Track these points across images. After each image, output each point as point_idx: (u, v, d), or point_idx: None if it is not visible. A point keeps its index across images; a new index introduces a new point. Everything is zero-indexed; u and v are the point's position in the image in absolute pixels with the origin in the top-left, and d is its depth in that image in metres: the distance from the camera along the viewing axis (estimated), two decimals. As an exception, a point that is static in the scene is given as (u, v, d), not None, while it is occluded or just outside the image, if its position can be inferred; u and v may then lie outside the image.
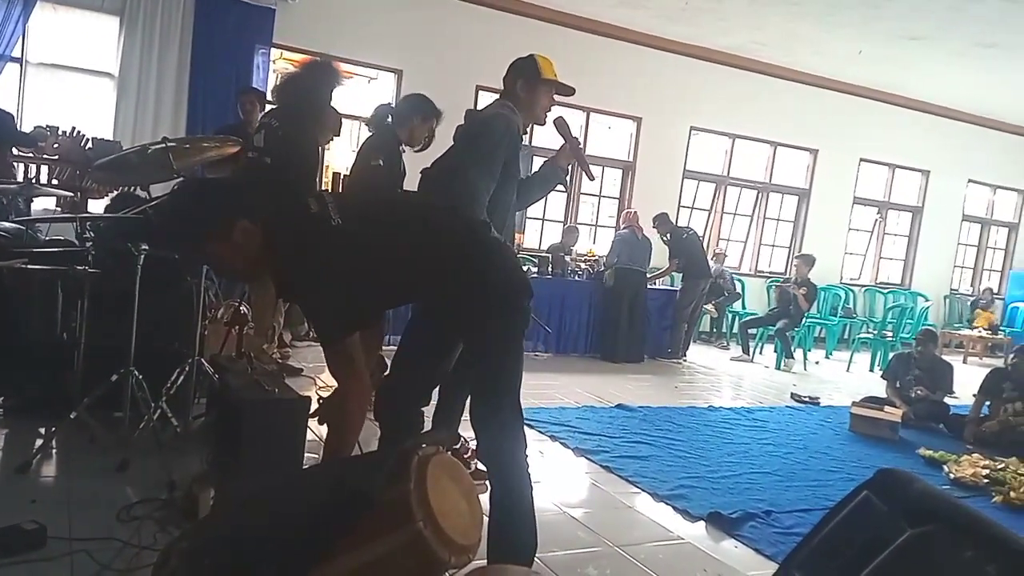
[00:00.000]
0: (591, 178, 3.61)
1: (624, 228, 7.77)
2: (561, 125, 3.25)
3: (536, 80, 3.08)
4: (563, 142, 3.23)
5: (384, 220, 2.14)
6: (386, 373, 2.54)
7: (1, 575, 2.20)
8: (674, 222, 8.39)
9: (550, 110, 3.20)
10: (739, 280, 9.68)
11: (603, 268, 7.71)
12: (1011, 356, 6.19)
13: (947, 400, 6.05)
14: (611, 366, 7.14)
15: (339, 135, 5.08)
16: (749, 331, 8.57)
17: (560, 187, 3.38)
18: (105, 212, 4.26)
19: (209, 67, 6.74)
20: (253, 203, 2.04)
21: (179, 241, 2.13)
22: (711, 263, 9.19)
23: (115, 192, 4.79)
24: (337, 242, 2.00)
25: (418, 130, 4.19)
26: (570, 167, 3.34)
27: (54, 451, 3.22)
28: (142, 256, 2.99)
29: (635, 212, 7.98)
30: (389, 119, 4.27)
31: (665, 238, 8.04)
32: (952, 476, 4.50)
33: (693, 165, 9.63)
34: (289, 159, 3.87)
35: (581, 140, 8.81)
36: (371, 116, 4.32)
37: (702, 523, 3.43)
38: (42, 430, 3.37)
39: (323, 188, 3.95)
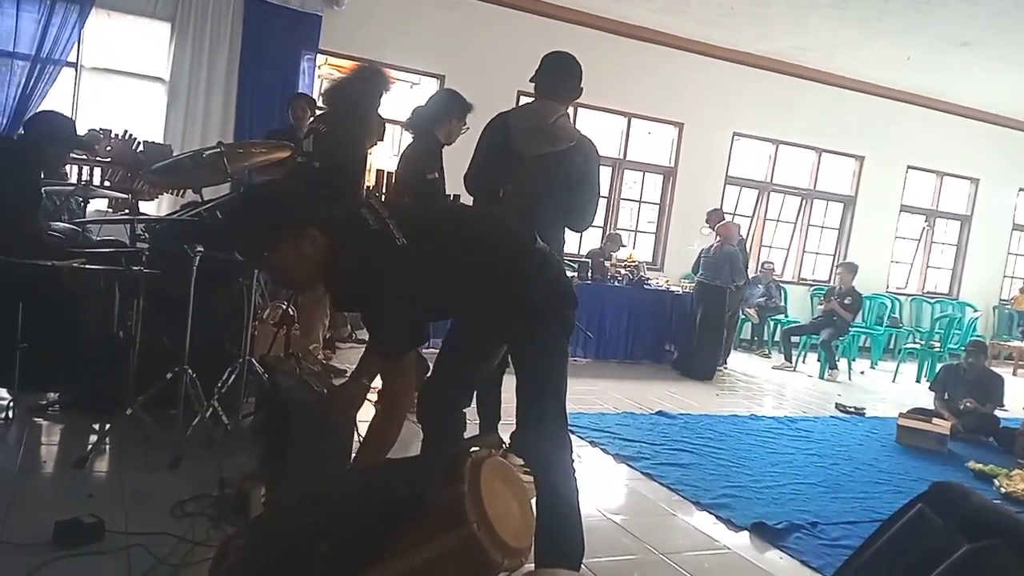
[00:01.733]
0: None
1: (716, 240, 7.56)
2: None
3: (578, 93, 3.38)
4: None
5: (440, 237, 2.16)
6: (428, 375, 2.57)
7: (63, 566, 2.27)
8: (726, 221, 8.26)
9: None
10: (783, 288, 9.56)
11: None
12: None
13: (997, 413, 5.91)
14: (649, 371, 7.11)
15: (383, 140, 5.13)
16: (792, 339, 8.45)
17: None
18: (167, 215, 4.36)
19: (257, 72, 6.87)
20: (321, 213, 2.06)
21: (247, 245, 2.14)
22: (756, 274, 9.11)
23: (176, 196, 4.89)
24: (402, 262, 2.02)
25: (455, 129, 4.19)
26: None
27: (108, 447, 3.31)
28: (197, 257, 3.06)
29: (731, 222, 7.79)
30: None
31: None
32: (1003, 490, 4.39)
33: (735, 171, 9.54)
34: (337, 164, 3.92)
35: (621, 147, 8.80)
36: (411, 120, 4.26)
37: (746, 533, 3.40)
38: (97, 426, 3.48)
39: (371, 194, 3.96)
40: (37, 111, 5.81)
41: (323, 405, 2.61)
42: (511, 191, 3.28)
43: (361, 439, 2.28)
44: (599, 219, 8.88)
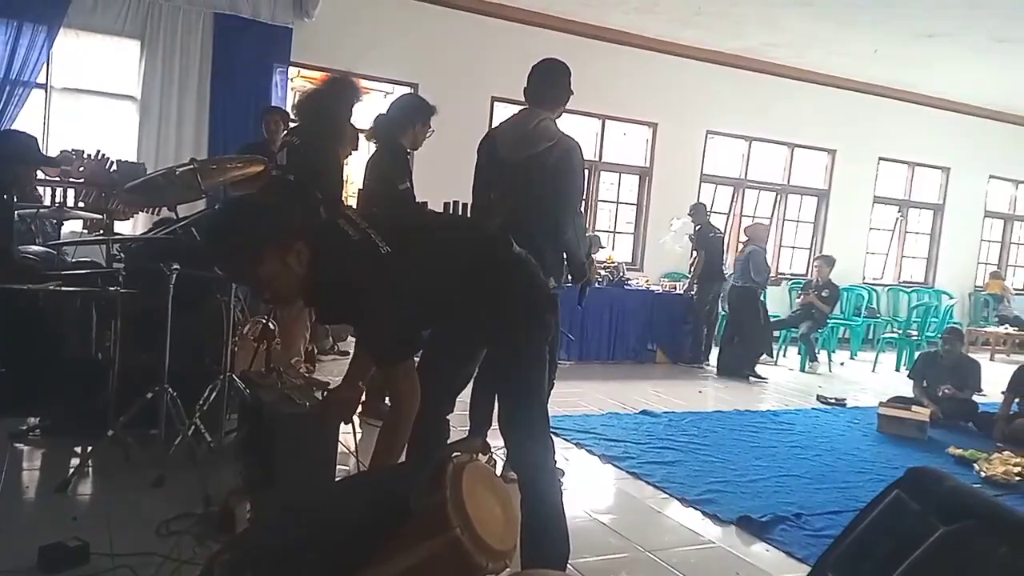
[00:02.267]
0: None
1: (746, 244, 7.68)
2: None
3: (567, 98, 3.47)
4: None
5: (421, 244, 2.16)
6: None
7: (47, 591, 2.26)
8: (708, 218, 8.33)
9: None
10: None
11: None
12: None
13: (975, 398, 6.00)
14: (633, 371, 7.14)
15: (357, 149, 5.13)
16: (772, 333, 8.51)
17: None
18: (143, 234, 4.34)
19: (228, 87, 6.85)
20: (303, 225, 2.06)
21: (230, 260, 2.11)
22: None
23: (151, 214, 4.87)
24: (388, 270, 2.02)
25: (420, 134, 4.20)
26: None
27: (91, 469, 3.29)
28: (174, 276, 3.05)
29: (760, 224, 7.85)
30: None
31: (696, 228, 7.99)
32: (983, 474, 4.46)
33: (710, 169, 9.62)
34: (311, 176, 3.92)
35: (596, 148, 8.85)
36: (373, 128, 4.26)
37: (732, 527, 3.43)
38: (79, 449, 3.46)
39: (347, 206, 3.95)
40: (-2, 131, 5.79)
41: (319, 409, 2.62)
42: (496, 198, 3.33)
43: (352, 449, 2.28)
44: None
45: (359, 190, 4.37)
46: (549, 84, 3.35)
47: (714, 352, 8.18)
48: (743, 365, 7.34)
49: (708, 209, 8.52)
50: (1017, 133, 11.34)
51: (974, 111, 10.79)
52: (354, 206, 4.24)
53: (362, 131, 4.28)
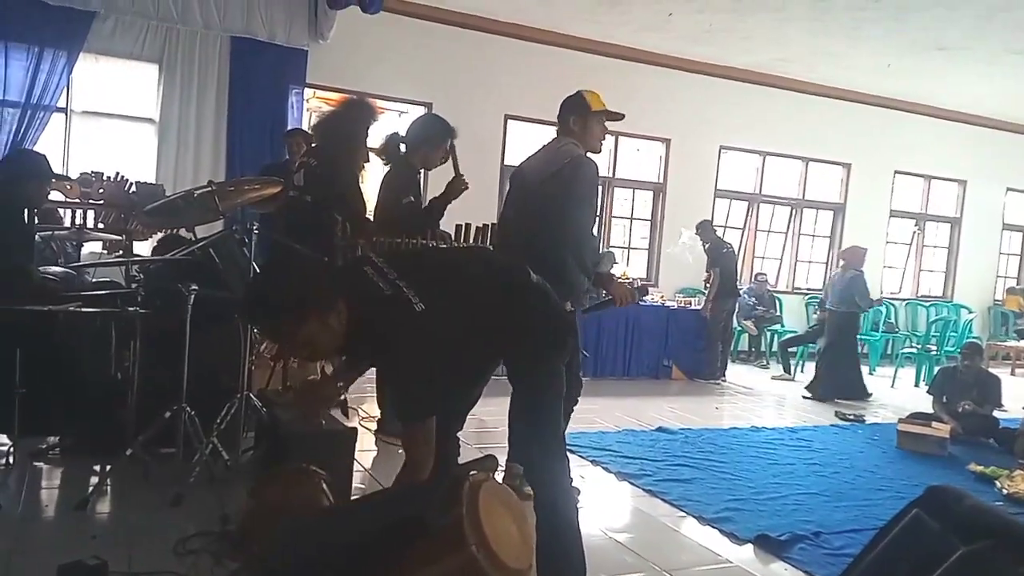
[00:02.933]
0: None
1: (844, 268, 7.71)
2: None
3: (587, 114, 3.40)
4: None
5: (448, 289, 2.16)
6: None
7: (67, 610, 2.27)
8: (715, 233, 8.34)
9: (604, 138, 3.52)
10: (777, 298, 9.60)
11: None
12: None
13: (996, 414, 5.92)
14: (648, 387, 7.12)
15: (368, 161, 5.16)
16: (789, 350, 8.47)
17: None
18: (154, 253, 4.38)
19: (245, 109, 6.94)
20: (342, 283, 2.06)
21: (272, 324, 2.08)
22: (751, 285, 9.17)
23: (160, 234, 4.93)
24: (422, 330, 2.01)
25: (433, 155, 4.22)
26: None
27: (110, 488, 3.31)
28: (192, 296, 3.09)
29: (857, 247, 7.86)
30: (401, 148, 4.25)
31: (705, 246, 7.99)
32: (1005, 492, 4.40)
33: (724, 184, 9.62)
34: (336, 196, 3.96)
35: (610, 165, 8.87)
36: (383, 146, 4.28)
37: (750, 546, 3.40)
38: (98, 468, 3.48)
39: (371, 249, 3.95)
40: (7, 152, 5.89)
41: (295, 396, 2.63)
42: (513, 216, 3.42)
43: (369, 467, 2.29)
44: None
45: (374, 206, 4.41)
46: (560, 112, 3.47)
47: (731, 368, 8.15)
48: (835, 393, 7.25)
49: (714, 224, 8.51)
50: (1034, 145, 11.26)
51: (990, 123, 10.73)
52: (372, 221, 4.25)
53: (372, 149, 4.33)
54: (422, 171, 4.35)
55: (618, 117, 3.51)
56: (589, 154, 3.43)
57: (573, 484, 3.76)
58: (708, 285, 7.91)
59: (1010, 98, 9.58)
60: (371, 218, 4.27)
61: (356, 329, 2.02)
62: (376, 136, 4.38)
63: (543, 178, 3.31)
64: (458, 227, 4.63)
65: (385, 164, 4.31)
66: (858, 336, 7.68)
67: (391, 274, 2.10)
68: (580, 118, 3.41)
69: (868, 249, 7.95)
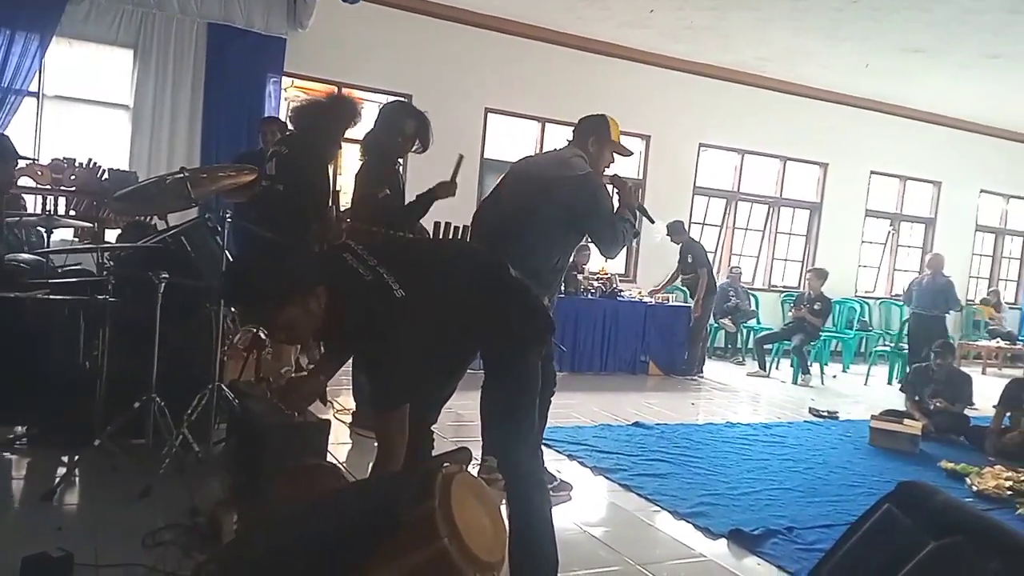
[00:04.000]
0: (652, 222, 3.98)
1: (927, 272, 8.07)
2: (617, 180, 3.54)
3: (606, 141, 3.46)
4: (620, 194, 3.49)
5: (431, 280, 2.15)
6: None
7: (30, 603, 2.22)
8: (688, 232, 8.38)
9: (608, 167, 3.55)
10: (753, 295, 9.66)
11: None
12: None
13: (967, 412, 6.00)
14: (625, 383, 7.14)
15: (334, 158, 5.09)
16: (765, 346, 8.53)
17: (634, 235, 3.55)
18: (118, 240, 4.31)
19: (222, 96, 6.85)
20: (322, 268, 2.05)
21: (254, 308, 2.10)
22: (726, 280, 9.25)
23: (127, 221, 4.85)
24: (401, 316, 2.00)
25: (403, 145, 4.15)
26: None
27: (77, 479, 3.26)
28: (162, 284, 3.03)
29: (939, 254, 8.22)
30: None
31: (680, 246, 8.03)
32: (975, 488, 4.46)
33: (703, 181, 9.66)
34: (299, 186, 3.91)
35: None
36: (362, 143, 4.26)
37: (724, 540, 3.42)
38: (65, 458, 3.41)
39: (350, 235, 3.92)
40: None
41: (278, 395, 2.61)
42: (505, 196, 3.39)
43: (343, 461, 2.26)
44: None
45: (351, 199, 4.36)
46: (580, 128, 3.51)
47: (707, 364, 8.19)
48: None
49: (693, 221, 8.58)
50: (1007, 148, 11.42)
51: (965, 125, 10.86)
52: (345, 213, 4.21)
53: (355, 142, 4.27)
54: (399, 162, 4.30)
55: (627, 153, 3.61)
56: None
57: (563, 480, 3.79)
58: (668, 279, 7.96)
59: (984, 101, 9.70)
60: (340, 207, 4.23)
61: (335, 314, 2.01)
62: (356, 129, 4.34)
63: (553, 175, 3.28)
64: (436, 224, 4.60)
65: (361, 159, 4.28)
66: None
67: (371, 260, 2.09)
68: (598, 141, 3.44)
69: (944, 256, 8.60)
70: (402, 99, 4.29)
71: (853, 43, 7.74)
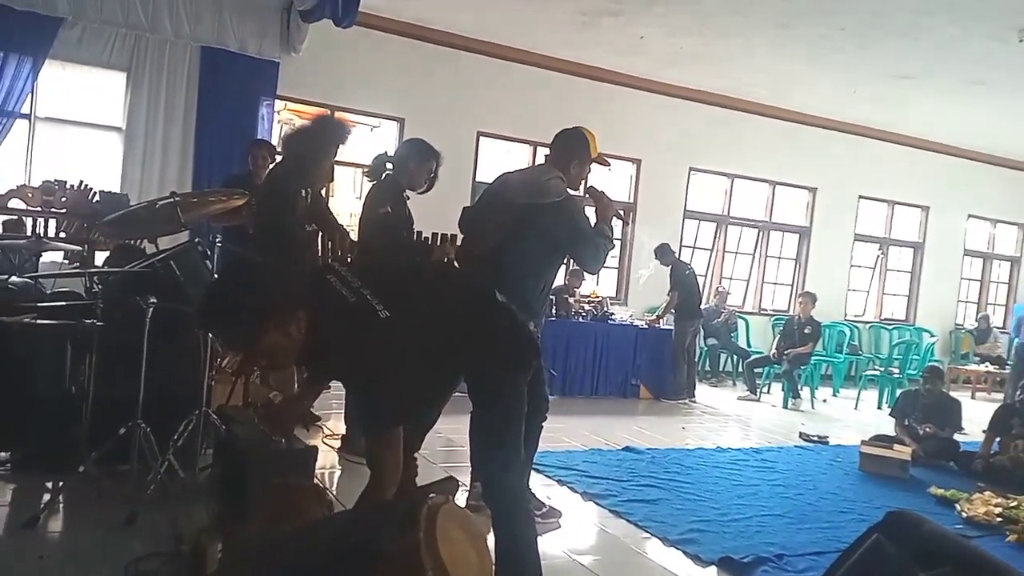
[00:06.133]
0: (625, 222, 3.98)
1: None
2: (595, 193, 3.57)
3: (587, 158, 3.49)
4: (597, 207, 3.55)
5: (417, 301, 2.13)
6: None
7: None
8: (677, 255, 8.40)
9: (585, 179, 3.62)
10: (743, 318, 9.69)
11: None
12: (1018, 392, 6.16)
13: (956, 437, 6.00)
14: (616, 407, 7.12)
15: (332, 180, 5.12)
16: (755, 370, 8.54)
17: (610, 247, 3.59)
18: (106, 263, 4.29)
19: (215, 119, 6.86)
20: (304, 291, 2.02)
21: (232, 333, 2.04)
22: (712, 302, 9.28)
23: (115, 244, 4.82)
24: (388, 336, 1.98)
25: (416, 174, 4.24)
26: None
27: (62, 505, 3.22)
28: (150, 309, 3.02)
29: None
30: (388, 167, 4.32)
31: (670, 268, 8.03)
32: (965, 515, 4.45)
33: (693, 205, 9.71)
34: (278, 213, 3.90)
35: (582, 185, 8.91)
36: (370, 167, 4.38)
37: (714, 568, 3.40)
38: (50, 484, 3.37)
39: (329, 255, 3.94)
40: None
41: (261, 420, 2.58)
42: (490, 230, 3.41)
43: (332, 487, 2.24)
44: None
45: (358, 223, 4.43)
46: (561, 147, 3.52)
47: (700, 388, 8.19)
48: None
49: (684, 244, 8.60)
50: (994, 173, 11.55)
51: (952, 151, 10.99)
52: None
53: (348, 165, 4.31)
54: (407, 191, 4.34)
55: (606, 164, 3.65)
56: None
57: (552, 507, 3.78)
58: (666, 305, 7.98)
59: (970, 127, 9.83)
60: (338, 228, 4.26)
61: (317, 339, 1.98)
62: (349, 151, 4.38)
63: (531, 202, 3.31)
64: (433, 235, 4.63)
65: (370, 183, 4.36)
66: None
67: (355, 282, 2.06)
68: (581, 162, 3.48)
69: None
70: (419, 139, 4.37)
71: (841, 69, 7.84)
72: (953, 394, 6.75)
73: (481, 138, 8.28)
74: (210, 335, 3.25)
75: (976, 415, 6.60)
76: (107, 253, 5.10)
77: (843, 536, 3.80)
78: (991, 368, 10.44)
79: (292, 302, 1.96)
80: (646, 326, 7.89)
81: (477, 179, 8.14)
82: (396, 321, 1.99)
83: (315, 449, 3.07)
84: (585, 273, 3.87)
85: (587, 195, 3.54)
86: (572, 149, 3.48)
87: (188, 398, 3.39)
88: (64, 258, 5.86)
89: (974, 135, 10.33)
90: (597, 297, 8.24)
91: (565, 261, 3.80)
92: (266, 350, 1.97)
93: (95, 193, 6.12)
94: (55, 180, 6.07)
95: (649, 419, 6.76)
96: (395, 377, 1.98)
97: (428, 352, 2.08)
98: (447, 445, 4.62)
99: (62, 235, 5.88)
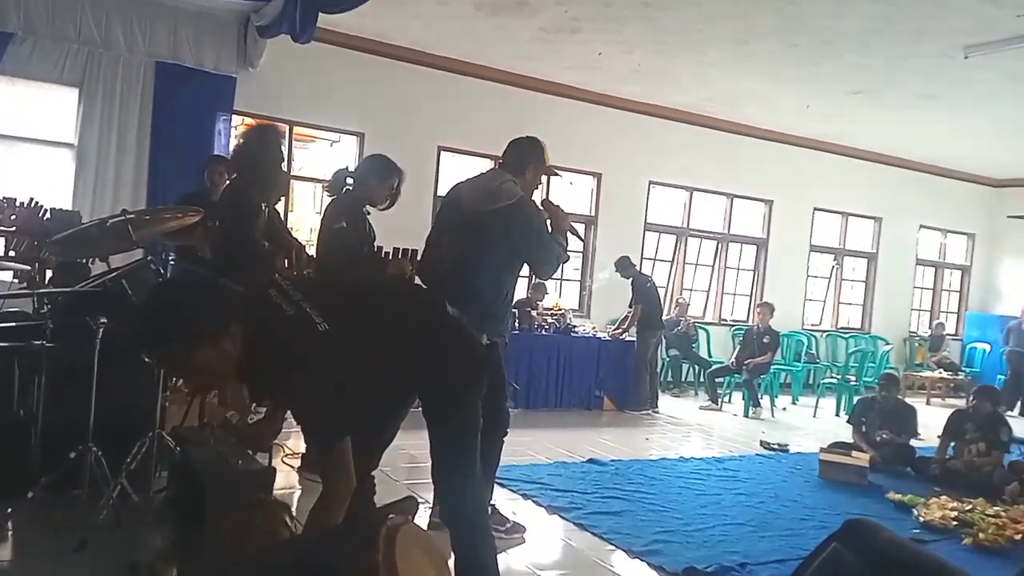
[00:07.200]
0: (580, 239, 4.08)
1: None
2: (549, 206, 3.60)
3: (541, 167, 3.57)
4: (552, 219, 3.54)
5: (360, 313, 2.11)
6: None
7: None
8: (637, 268, 8.47)
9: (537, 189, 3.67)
10: (703, 329, 9.80)
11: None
12: (971, 398, 6.31)
13: (912, 442, 6.12)
14: (580, 419, 7.13)
15: (285, 195, 5.08)
16: (716, 380, 8.63)
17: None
18: (51, 282, 4.19)
19: (170, 135, 6.75)
20: (238, 306, 1.97)
21: (161, 351, 1.97)
22: (673, 313, 9.37)
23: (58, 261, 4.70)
24: (324, 350, 1.95)
25: (377, 190, 4.21)
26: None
27: (10, 533, 3.13)
28: (100, 330, 2.95)
29: None
30: (348, 182, 4.29)
31: (631, 281, 8.08)
32: (922, 519, 4.53)
33: (653, 218, 9.81)
34: (233, 223, 3.85)
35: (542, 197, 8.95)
36: (329, 182, 4.35)
37: (678, 579, 3.41)
38: (-3, 511, 3.27)
39: (279, 269, 3.89)
40: None
41: (241, 442, 2.53)
42: (447, 243, 3.43)
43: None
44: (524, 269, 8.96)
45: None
46: (515, 153, 3.58)
47: (663, 399, 8.24)
48: None
49: (645, 257, 8.67)
50: (944, 185, 11.88)
51: (903, 163, 11.28)
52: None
53: (308, 180, 4.28)
54: (368, 207, 4.31)
55: (556, 174, 3.79)
56: None
57: (516, 522, 3.76)
58: (628, 317, 8.03)
59: (921, 140, 10.10)
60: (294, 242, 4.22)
61: (256, 353, 1.94)
62: (309, 166, 4.34)
63: (484, 209, 3.33)
64: (395, 250, 4.61)
65: (330, 197, 4.32)
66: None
67: (295, 295, 2.03)
68: (536, 169, 3.53)
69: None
70: (380, 155, 4.35)
71: (795, 85, 8.00)
72: (908, 400, 6.88)
73: (442, 152, 8.28)
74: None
75: (931, 420, 6.74)
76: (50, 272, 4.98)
77: (804, 543, 3.84)
78: (944, 374, 10.68)
79: (225, 318, 1.91)
80: (609, 338, 7.92)
81: (438, 194, 8.11)
82: (337, 334, 1.96)
83: (273, 470, 3.03)
84: (540, 280, 3.88)
85: (542, 208, 3.56)
86: (527, 155, 3.53)
87: (141, 419, 3.31)
88: (14, 277, 5.70)
89: (925, 148, 10.61)
90: (560, 310, 8.26)
91: (527, 275, 3.82)
92: (201, 368, 1.92)
93: (46, 211, 5.96)
94: (4, 198, 5.88)
95: (613, 430, 6.78)
96: (336, 389, 1.95)
97: (373, 366, 2.06)
98: (410, 462, 4.58)
99: (11, 254, 5.73)
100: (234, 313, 1.94)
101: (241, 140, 4.00)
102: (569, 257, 3.62)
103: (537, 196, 3.64)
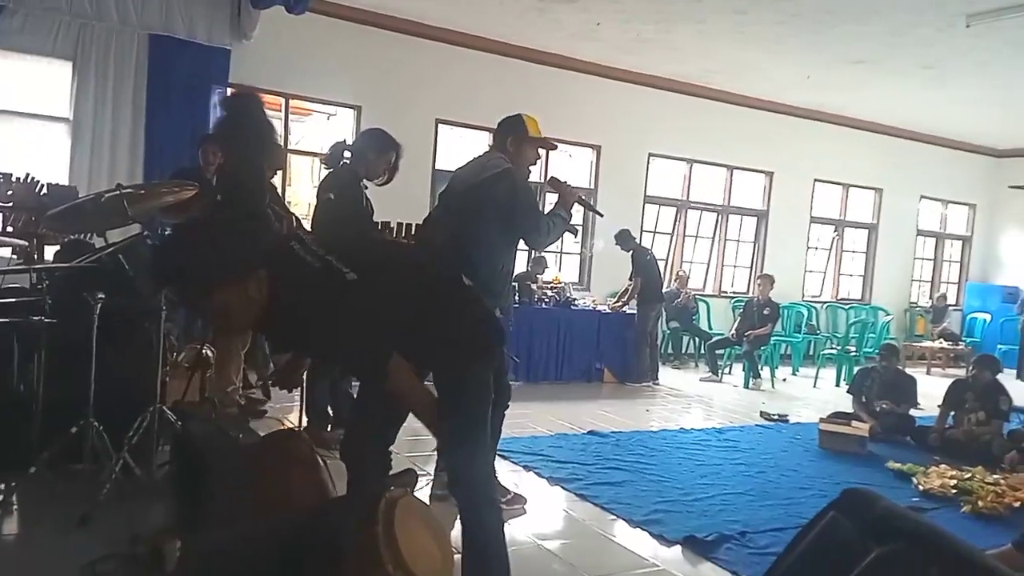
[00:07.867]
0: (598, 213, 4.28)
1: None
2: (555, 183, 3.59)
3: (523, 138, 3.50)
4: (559, 196, 3.57)
5: (383, 275, 2.10)
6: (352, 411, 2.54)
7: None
8: (637, 241, 8.44)
9: (535, 164, 3.65)
10: (703, 301, 9.80)
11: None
12: (971, 368, 6.32)
13: (912, 412, 6.14)
14: (581, 391, 7.16)
15: (282, 167, 5.06)
16: (717, 352, 8.64)
17: (570, 231, 3.60)
18: (56, 259, 4.18)
19: (165, 109, 6.68)
20: (264, 252, 1.96)
21: (187, 289, 1.96)
22: (673, 285, 9.35)
23: (65, 239, 4.69)
24: (356, 297, 1.95)
25: (374, 164, 4.20)
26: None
27: (14, 507, 3.14)
28: (98, 305, 2.94)
29: None
30: (346, 155, 4.27)
31: (630, 253, 8.06)
32: (921, 488, 4.56)
33: (653, 190, 9.76)
34: (233, 193, 3.85)
35: (542, 170, 8.91)
36: (327, 154, 4.36)
37: (678, 547, 3.45)
38: (1, 486, 3.28)
39: (297, 228, 3.92)
40: None
41: (275, 382, 2.53)
42: (444, 222, 3.50)
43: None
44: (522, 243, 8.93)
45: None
46: (497, 131, 3.60)
47: (663, 371, 8.26)
48: None
49: (644, 229, 8.64)
50: (944, 155, 11.81)
51: (904, 134, 11.20)
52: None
53: (304, 153, 4.27)
54: (365, 180, 4.29)
55: (551, 147, 3.70)
56: None
57: (517, 493, 3.78)
58: (628, 291, 8.02)
59: (922, 110, 10.01)
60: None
61: (281, 304, 1.93)
62: (306, 140, 4.32)
63: (468, 185, 3.39)
64: (399, 224, 4.62)
65: (327, 170, 4.33)
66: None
67: (319, 250, 2.02)
68: (516, 140, 3.51)
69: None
70: (378, 128, 4.33)
71: (795, 55, 7.92)
72: (908, 371, 6.91)
73: (440, 125, 8.21)
74: (168, 325, 3.18)
75: (931, 391, 6.76)
76: (56, 248, 4.96)
77: (804, 512, 3.86)
78: (945, 344, 10.70)
79: (250, 260, 1.89)
80: (609, 311, 7.92)
81: (437, 167, 8.07)
82: (362, 283, 1.96)
83: (275, 443, 3.02)
84: (536, 252, 3.89)
85: (548, 185, 3.56)
86: (505, 130, 3.54)
87: (142, 394, 3.30)
88: (12, 253, 5.68)
89: (926, 118, 10.53)
90: (560, 283, 8.24)
91: (526, 248, 3.81)
92: (223, 308, 1.90)
93: (42, 186, 5.93)
94: (0, 173, 5.87)
95: (613, 403, 6.80)
96: (367, 327, 1.96)
97: (395, 322, 2.05)
98: (413, 435, 4.58)
99: (9, 229, 5.71)
100: (260, 258, 1.91)
101: (224, 114, 3.99)
102: (577, 231, 3.64)
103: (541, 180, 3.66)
